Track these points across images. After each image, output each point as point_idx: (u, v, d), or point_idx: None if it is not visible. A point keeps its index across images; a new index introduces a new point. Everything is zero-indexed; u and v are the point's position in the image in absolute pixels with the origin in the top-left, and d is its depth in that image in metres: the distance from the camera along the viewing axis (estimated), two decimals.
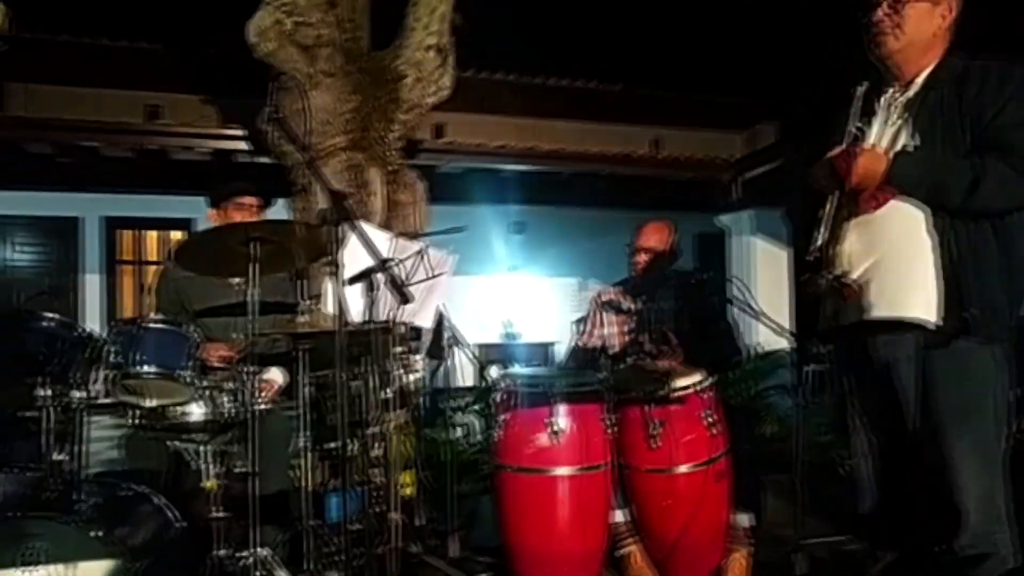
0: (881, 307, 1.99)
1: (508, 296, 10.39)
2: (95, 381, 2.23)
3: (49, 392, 2.13)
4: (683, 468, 2.48)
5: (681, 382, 2.52)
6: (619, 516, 2.70)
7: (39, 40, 6.13)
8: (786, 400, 5.44)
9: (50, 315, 2.38)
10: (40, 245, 8.52)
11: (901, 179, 1.94)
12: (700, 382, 2.56)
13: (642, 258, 3.12)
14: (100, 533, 1.99)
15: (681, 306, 3.10)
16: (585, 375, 2.64)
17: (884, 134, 2.06)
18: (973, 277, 1.89)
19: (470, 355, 3.18)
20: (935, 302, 1.92)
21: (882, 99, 2.09)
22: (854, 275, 2.03)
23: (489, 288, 10.20)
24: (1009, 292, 1.92)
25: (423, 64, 4.34)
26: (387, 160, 4.35)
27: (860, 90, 2.06)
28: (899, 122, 2.04)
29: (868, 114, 2.08)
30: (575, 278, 10.75)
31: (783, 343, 4.18)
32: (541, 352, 10.03)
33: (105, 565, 1.98)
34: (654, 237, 3.12)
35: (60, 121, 5.55)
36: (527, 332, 10.24)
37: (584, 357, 3.26)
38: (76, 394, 2.17)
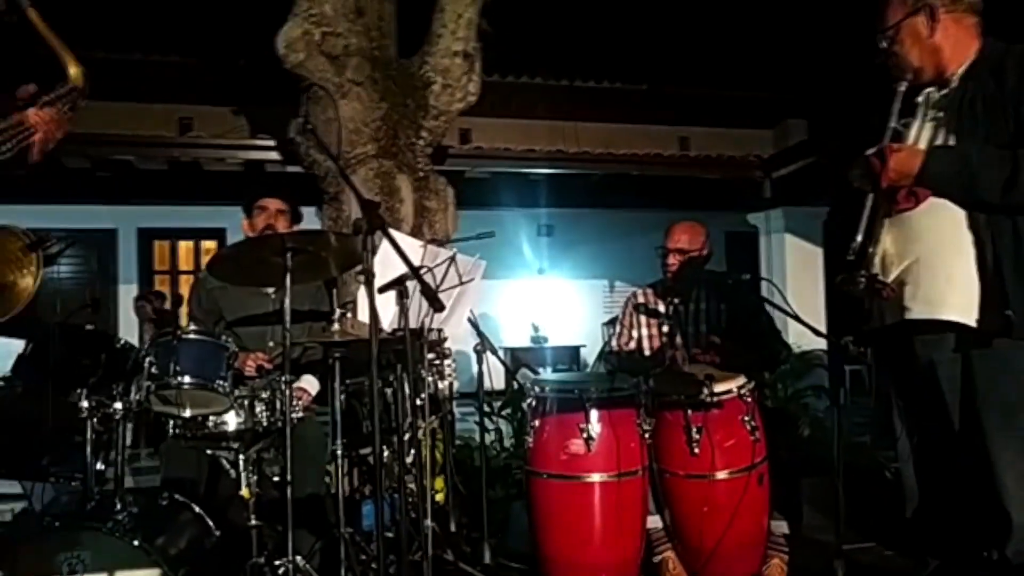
0: (919, 307, 1.95)
1: (537, 300, 10.38)
2: (135, 392, 2.26)
3: (91, 403, 2.17)
4: (723, 474, 2.45)
5: (722, 387, 2.49)
6: (654, 521, 2.68)
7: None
8: (822, 401, 5.34)
9: (91, 327, 2.43)
10: (79, 257, 8.73)
11: (935, 176, 1.89)
12: (742, 386, 2.53)
13: (674, 259, 3.09)
14: (140, 542, 2.02)
15: (718, 307, 3.07)
16: (619, 380, 2.61)
17: (922, 132, 2.02)
18: (1015, 274, 1.83)
19: (500, 359, 3.16)
20: (974, 301, 1.87)
21: (920, 96, 2.04)
22: (891, 275, 2.00)
23: (518, 292, 10.20)
24: None
25: (450, 70, 4.36)
26: (416, 167, 4.37)
27: (902, 87, 2.01)
28: (937, 119, 2.00)
29: (909, 112, 2.03)
30: (604, 280, 10.70)
31: (817, 343, 4.10)
32: (570, 355, 10.00)
33: (146, 574, 2.01)
34: (684, 238, 3.09)
35: (97, 136, 5.67)
36: (556, 335, 10.22)
37: (619, 360, 3.23)
38: (117, 405, 2.20)
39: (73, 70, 1.59)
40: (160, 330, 2.84)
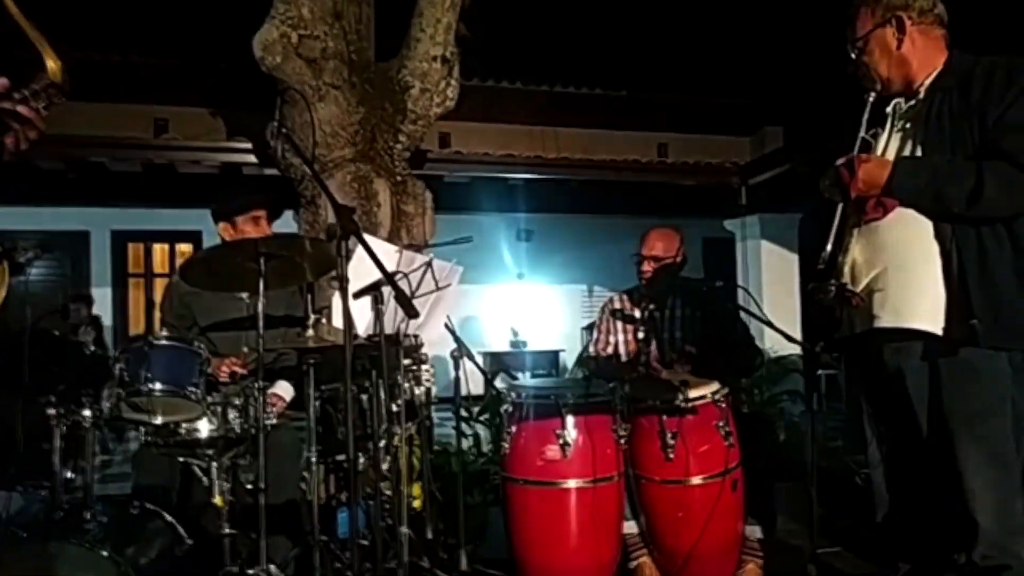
0: (888, 316, 1.97)
1: (516, 304, 10.39)
2: (105, 399, 2.23)
3: (59, 411, 2.13)
4: (697, 479, 2.47)
5: (697, 392, 2.50)
6: (630, 527, 2.69)
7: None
8: (798, 405, 5.40)
9: (60, 333, 2.40)
10: (51, 260, 8.59)
11: (902, 187, 1.92)
12: (716, 392, 2.54)
13: (648, 266, 3.11)
14: (110, 552, 1.99)
15: (694, 313, 3.09)
16: (595, 385, 2.62)
17: (890, 142, 2.05)
18: (980, 284, 1.85)
19: (477, 365, 3.16)
20: (941, 311, 1.89)
21: (889, 107, 2.08)
22: (861, 284, 2.02)
23: (497, 297, 10.20)
24: None
25: (429, 75, 4.35)
26: (393, 171, 4.36)
27: (871, 97, 2.04)
28: (904, 130, 2.03)
29: (879, 122, 2.06)
30: (583, 285, 10.74)
31: (793, 348, 4.15)
32: (549, 359, 10.01)
33: None
34: (659, 245, 3.11)
35: (70, 137, 5.58)
36: (534, 340, 10.23)
37: (598, 365, 3.25)
38: (86, 412, 2.17)
39: (51, 63, 1.53)
40: (99, 334, 2.80)
